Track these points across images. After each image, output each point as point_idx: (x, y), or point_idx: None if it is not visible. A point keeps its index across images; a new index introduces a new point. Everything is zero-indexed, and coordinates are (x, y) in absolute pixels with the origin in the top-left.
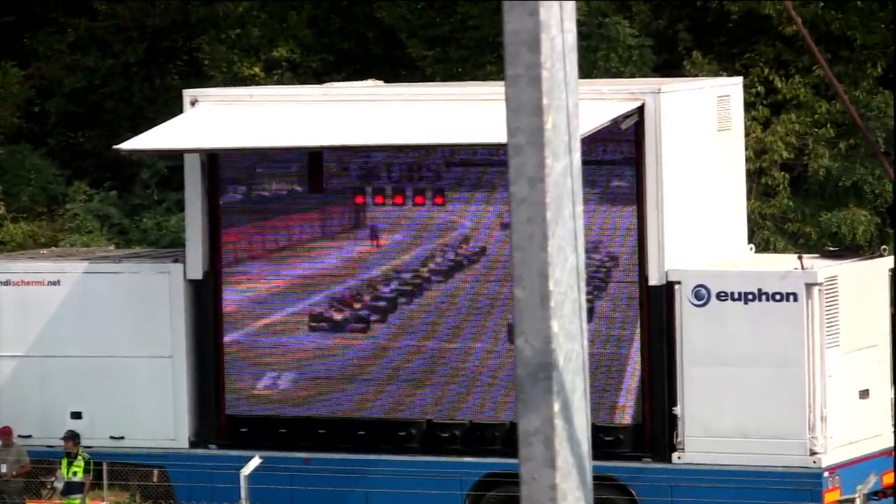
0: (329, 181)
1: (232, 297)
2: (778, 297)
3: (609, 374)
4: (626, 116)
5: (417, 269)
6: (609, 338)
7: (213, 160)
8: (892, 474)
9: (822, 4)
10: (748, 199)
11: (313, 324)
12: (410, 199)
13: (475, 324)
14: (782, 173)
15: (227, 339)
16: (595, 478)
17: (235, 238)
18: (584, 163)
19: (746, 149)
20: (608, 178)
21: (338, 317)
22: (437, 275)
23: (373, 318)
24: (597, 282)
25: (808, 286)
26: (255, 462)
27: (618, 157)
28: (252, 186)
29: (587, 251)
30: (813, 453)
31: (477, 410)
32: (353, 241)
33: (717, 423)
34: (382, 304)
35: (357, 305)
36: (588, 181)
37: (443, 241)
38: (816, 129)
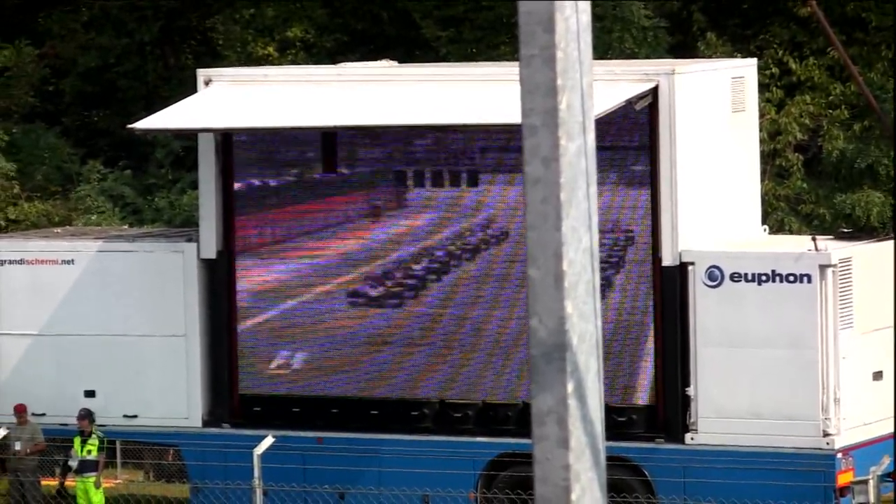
0: (343, 162)
1: (245, 277)
2: (792, 278)
3: (623, 354)
4: (641, 97)
5: (433, 253)
6: (622, 319)
7: (228, 140)
8: None
9: None
10: (762, 180)
11: (327, 303)
12: (430, 182)
13: (493, 303)
14: (796, 155)
15: (240, 318)
16: (608, 458)
17: (249, 218)
18: (600, 148)
19: (760, 130)
20: (624, 160)
21: (352, 297)
22: (455, 259)
23: (388, 299)
24: (611, 263)
25: (822, 268)
26: (268, 441)
27: (633, 144)
28: (267, 167)
29: (601, 231)
30: (826, 435)
31: (491, 391)
32: (368, 222)
33: (730, 404)
34: (397, 284)
35: (372, 285)
36: (604, 163)
37: (468, 224)
38: (831, 111)
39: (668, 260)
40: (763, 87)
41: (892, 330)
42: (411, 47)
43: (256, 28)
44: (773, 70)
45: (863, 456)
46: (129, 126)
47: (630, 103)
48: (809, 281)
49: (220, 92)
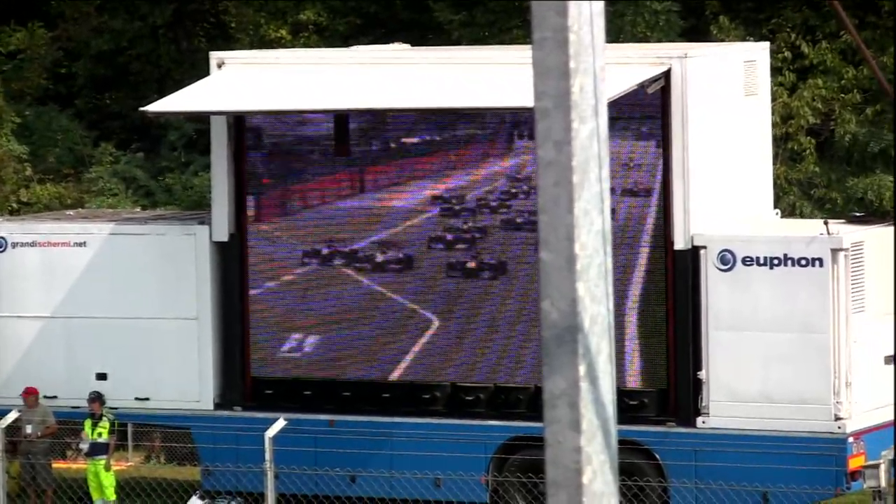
0: (354, 145)
1: (256, 259)
2: (804, 262)
3: (634, 337)
4: (653, 81)
5: (443, 236)
6: (635, 302)
7: (240, 122)
8: None
9: None
10: (774, 164)
11: (338, 286)
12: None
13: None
14: (808, 138)
15: (252, 301)
16: (619, 442)
17: (260, 200)
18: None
19: (773, 114)
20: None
21: (363, 279)
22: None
23: (398, 280)
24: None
25: (834, 251)
26: (280, 424)
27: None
28: (278, 150)
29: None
30: (838, 419)
31: (502, 374)
32: (376, 200)
33: (741, 388)
34: (405, 264)
35: (382, 266)
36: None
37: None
38: (843, 95)
39: (679, 244)
40: (775, 71)
41: None
42: (424, 31)
43: (269, 11)
44: (786, 54)
45: (874, 440)
46: (142, 109)
47: (642, 87)
48: (821, 265)
49: (233, 75)
